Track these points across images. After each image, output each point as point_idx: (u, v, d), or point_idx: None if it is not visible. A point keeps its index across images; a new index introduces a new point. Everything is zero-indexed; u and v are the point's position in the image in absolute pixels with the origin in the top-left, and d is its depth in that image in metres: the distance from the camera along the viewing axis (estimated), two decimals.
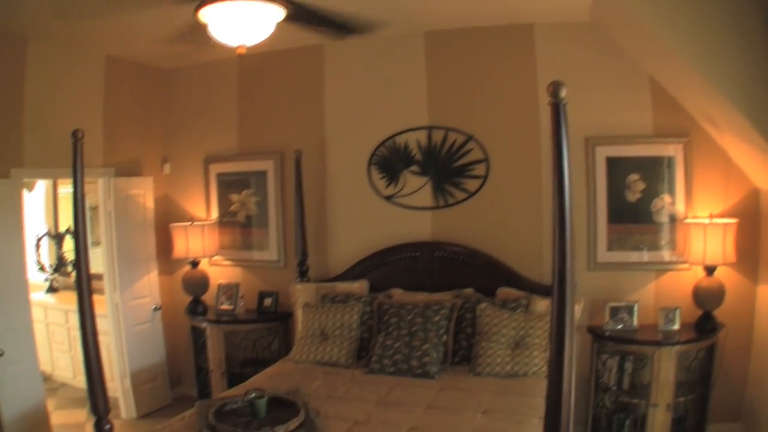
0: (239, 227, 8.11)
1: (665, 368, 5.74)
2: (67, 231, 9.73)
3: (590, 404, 6.31)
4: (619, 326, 6.15)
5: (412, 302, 6.36)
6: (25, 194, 8.00)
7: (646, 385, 5.92)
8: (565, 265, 2.81)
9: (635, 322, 6.15)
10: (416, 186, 7.04)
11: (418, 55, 6.99)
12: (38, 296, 9.13)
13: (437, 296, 6.46)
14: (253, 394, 4.84)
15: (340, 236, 7.57)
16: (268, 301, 7.73)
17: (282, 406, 4.90)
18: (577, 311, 5.66)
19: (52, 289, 9.69)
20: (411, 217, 7.09)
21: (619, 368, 6.16)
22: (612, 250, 6.43)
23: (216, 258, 8.20)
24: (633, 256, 6.38)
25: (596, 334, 6.20)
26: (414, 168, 7.03)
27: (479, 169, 6.78)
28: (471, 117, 6.80)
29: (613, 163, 6.35)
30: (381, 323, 6.40)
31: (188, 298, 7.90)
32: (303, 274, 7.35)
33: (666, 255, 6.31)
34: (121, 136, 7.76)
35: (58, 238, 9.92)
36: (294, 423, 4.53)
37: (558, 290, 2.83)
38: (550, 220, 2.87)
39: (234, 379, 7.27)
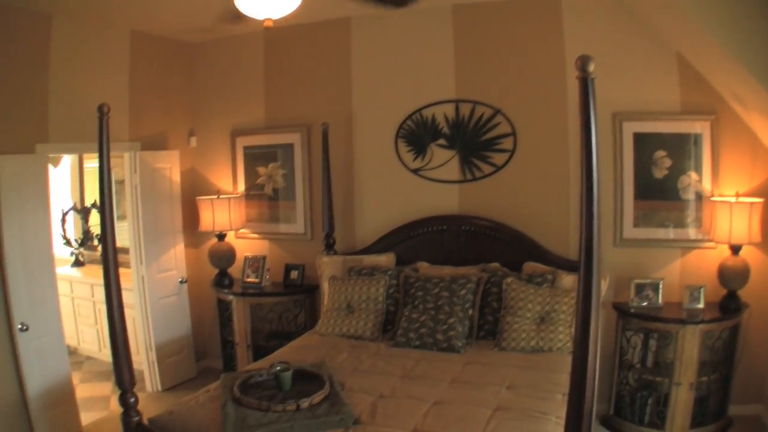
0: (266, 200, 8.12)
1: (689, 347, 5.71)
2: (93, 205, 9.76)
3: (614, 381, 6.31)
4: (644, 303, 6.12)
5: (438, 276, 6.36)
6: (51, 169, 8.01)
7: (669, 364, 5.89)
8: (592, 240, 2.78)
9: (660, 299, 6.11)
10: (443, 159, 7.01)
11: (446, 28, 6.94)
12: (64, 270, 9.19)
13: (463, 270, 6.45)
14: (279, 367, 4.85)
15: (367, 209, 7.56)
16: (294, 274, 7.74)
17: (307, 379, 4.92)
18: (603, 287, 5.64)
19: (77, 263, 9.75)
20: (438, 190, 7.07)
21: (644, 346, 6.12)
22: (638, 227, 6.38)
23: (242, 231, 8.23)
24: (659, 233, 6.32)
25: (621, 310, 6.18)
26: (441, 141, 7.00)
27: (506, 143, 6.75)
28: (498, 91, 6.75)
29: (640, 139, 6.29)
30: (407, 297, 6.41)
31: (214, 271, 7.95)
32: (330, 247, 7.36)
33: (692, 233, 6.25)
34: (146, 111, 7.78)
35: (83, 212, 9.95)
36: (319, 396, 4.54)
37: (585, 266, 2.81)
38: (577, 195, 2.84)
39: (259, 351, 7.32)
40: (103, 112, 4.02)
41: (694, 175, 6.17)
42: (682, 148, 6.19)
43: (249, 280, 7.82)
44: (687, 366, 5.73)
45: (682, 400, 5.78)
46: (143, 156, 7.52)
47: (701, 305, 5.96)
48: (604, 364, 6.01)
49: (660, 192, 6.28)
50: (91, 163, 9.85)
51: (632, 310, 6.08)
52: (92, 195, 9.86)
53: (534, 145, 6.66)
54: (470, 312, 6.12)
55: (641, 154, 6.30)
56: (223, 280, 7.86)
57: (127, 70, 7.51)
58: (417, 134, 7.11)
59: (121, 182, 8.22)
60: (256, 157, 8.12)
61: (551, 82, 6.52)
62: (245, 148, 8.16)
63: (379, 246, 7.25)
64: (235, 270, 8.01)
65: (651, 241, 6.36)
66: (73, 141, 6.75)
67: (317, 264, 7.19)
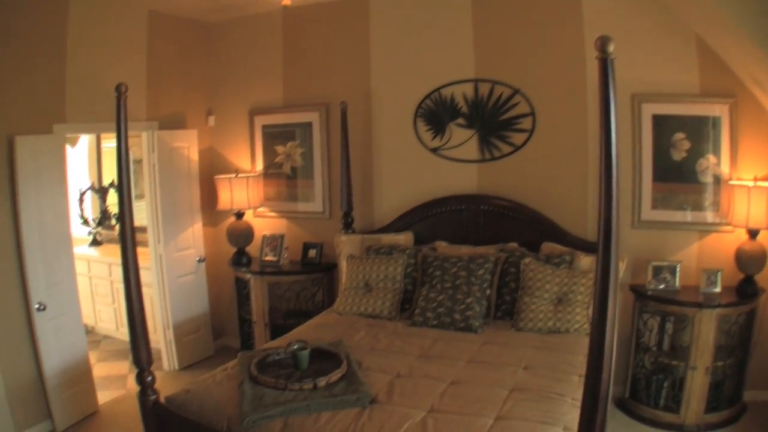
0: (284, 179, 8.13)
1: (705, 331, 5.68)
2: (111, 185, 9.81)
3: (630, 364, 6.29)
4: (662, 286, 6.08)
5: (456, 255, 6.35)
6: (68, 150, 8.03)
7: (685, 347, 5.85)
8: (610, 222, 2.76)
9: (677, 282, 6.06)
10: (462, 139, 6.98)
11: (465, 7, 6.88)
12: (81, 250, 9.26)
13: (482, 250, 6.44)
14: (296, 346, 4.86)
15: (386, 188, 7.55)
16: (312, 253, 7.76)
17: (324, 358, 4.93)
18: (620, 269, 5.61)
19: (95, 243, 9.83)
20: (457, 169, 7.05)
21: (660, 329, 6.09)
22: (656, 209, 6.32)
23: (261, 209, 8.26)
24: (677, 216, 6.26)
25: (638, 292, 6.14)
26: (460, 121, 6.96)
27: (525, 123, 6.70)
28: (517, 71, 6.70)
29: (659, 120, 6.23)
30: (425, 276, 6.40)
31: (232, 250, 7.98)
32: (348, 226, 7.37)
33: (709, 216, 6.18)
34: (164, 90, 7.78)
35: (101, 191, 9.99)
36: (336, 375, 4.56)
37: (603, 247, 2.78)
38: (596, 176, 2.83)
39: (277, 330, 7.37)
40: (120, 91, 4.01)
41: (712, 158, 6.10)
42: (700, 130, 6.12)
43: (267, 258, 7.83)
44: (703, 350, 5.70)
45: (697, 384, 5.76)
46: (161, 135, 7.53)
47: (718, 289, 5.92)
48: (620, 347, 6.00)
49: (678, 174, 6.22)
50: (109, 143, 9.87)
51: (649, 293, 6.03)
52: (110, 174, 9.90)
53: (553, 126, 6.61)
54: (488, 292, 6.11)
55: (660, 136, 6.24)
56: (241, 258, 7.88)
57: (144, 50, 7.50)
58: (436, 113, 7.07)
59: (138, 162, 8.26)
60: (274, 136, 8.11)
61: (570, 63, 6.46)
62: (263, 127, 8.16)
63: (397, 225, 7.24)
64: (253, 249, 8.03)
65: (669, 224, 6.30)
66: (91, 121, 6.77)
67: (335, 243, 7.20)
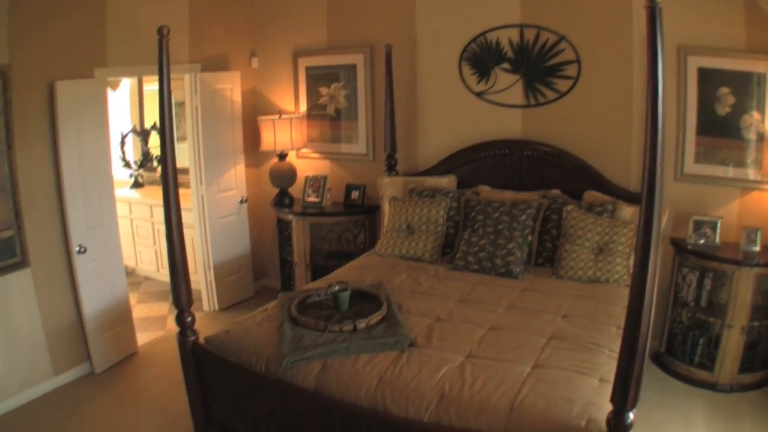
0: (328, 120, 8.12)
1: (743, 289, 5.59)
2: (153, 127, 9.83)
3: (667, 318, 6.26)
4: (702, 241, 5.99)
5: (499, 200, 6.33)
6: (110, 93, 8.05)
7: (723, 305, 5.78)
8: (655, 173, 2.72)
9: (717, 238, 5.98)
10: (507, 83, 6.89)
11: None
12: (123, 192, 9.35)
13: (524, 195, 6.41)
14: (337, 287, 4.88)
15: (429, 131, 7.51)
16: (355, 194, 7.76)
17: (365, 300, 4.97)
18: (662, 221, 5.55)
19: (137, 185, 9.90)
20: (501, 114, 6.98)
21: (699, 284, 6.03)
22: (699, 163, 6.19)
23: (304, 151, 8.28)
24: (719, 171, 6.13)
25: (679, 246, 6.08)
26: (505, 65, 6.87)
27: (570, 70, 6.60)
28: (563, 17, 6.56)
29: (704, 74, 6.07)
30: (467, 220, 6.41)
31: (274, 191, 8.01)
32: (391, 168, 7.37)
33: (751, 173, 6.03)
34: (207, 32, 7.75)
35: (143, 134, 10.02)
36: (376, 317, 4.59)
37: (647, 199, 2.75)
38: (640, 125, 2.78)
39: (318, 271, 7.43)
40: (162, 34, 4.00)
41: (756, 115, 5.93)
42: (746, 86, 5.95)
43: (309, 199, 7.85)
44: (740, 309, 5.63)
45: (732, 343, 5.71)
46: (204, 77, 7.52)
47: (757, 248, 5.80)
48: (659, 301, 5.97)
49: (722, 129, 6.08)
50: (151, 86, 9.89)
51: (689, 247, 5.96)
52: (152, 117, 9.93)
53: (598, 74, 6.49)
54: (529, 238, 6.11)
55: (705, 89, 6.08)
56: (283, 199, 7.90)
57: None
58: (481, 57, 6.98)
59: (180, 104, 8.26)
60: (318, 78, 8.08)
61: (617, 10, 6.29)
62: (307, 68, 8.12)
63: (440, 168, 7.22)
64: (295, 190, 8.05)
65: (711, 179, 6.17)
66: (133, 64, 6.76)
67: (378, 185, 7.22)
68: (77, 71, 6.13)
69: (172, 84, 4.33)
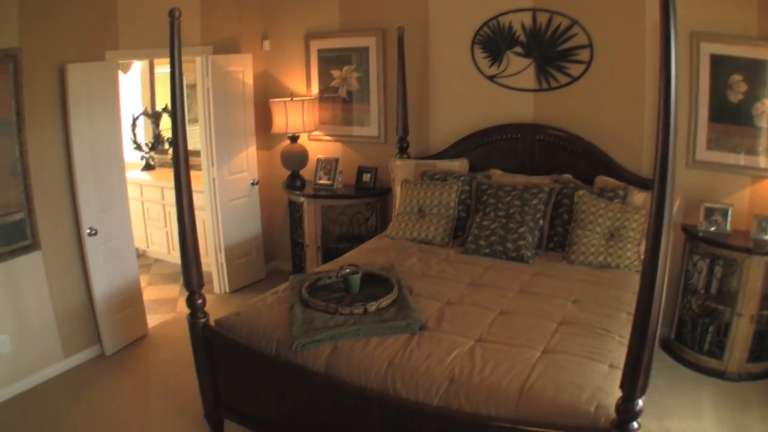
0: (340, 102, 8.11)
1: (753, 278, 5.57)
2: (164, 109, 9.83)
3: (677, 305, 6.25)
4: (713, 228, 5.96)
5: (510, 184, 6.33)
6: (121, 76, 8.05)
7: (733, 293, 5.75)
8: (667, 159, 2.70)
9: (728, 226, 5.94)
10: (519, 67, 6.87)
11: None
12: (134, 174, 9.34)
13: (536, 179, 6.41)
14: (348, 270, 4.91)
15: (441, 114, 7.49)
16: (366, 177, 7.76)
17: (376, 283, 4.99)
18: (674, 207, 5.53)
19: (148, 167, 9.89)
20: (513, 98, 6.95)
21: (709, 272, 5.98)
22: (711, 149, 6.15)
23: (315, 133, 8.26)
24: (730, 158, 6.09)
25: (689, 233, 6.06)
26: (517, 49, 6.84)
27: (583, 55, 6.56)
28: (576, 1, 6.51)
29: (716, 60, 6.01)
30: (479, 203, 6.41)
31: (286, 173, 8.03)
32: (403, 151, 7.37)
33: (762, 161, 5.98)
34: (218, 14, 7.74)
35: (154, 116, 10.02)
36: (387, 300, 4.60)
37: (659, 185, 2.74)
38: (652, 111, 2.77)
39: (329, 254, 7.45)
40: (174, 16, 4.01)
41: None
42: (758, 74, 5.89)
43: (321, 182, 7.85)
44: (750, 297, 5.61)
45: (742, 331, 5.69)
46: (215, 60, 7.51)
47: None
48: (669, 287, 5.94)
49: (734, 116, 6.03)
50: (162, 69, 9.89)
51: (700, 234, 5.93)
52: (163, 100, 9.92)
53: (610, 59, 6.46)
54: (541, 222, 6.11)
55: (717, 76, 6.03)
56: (294, 181, 7.91)
57: None
58: (493, 41, 6.95)
59: (192, 86, 8.26)
60: (330, 60, 8.07)
61: None
62: (319, 51, 8.11)
63: (452, 151, 7.22)
64: (307, 172, 8.06)
65: (722, 166, 6.13)
66: (144, 47, 6.76)
67: (390, 167, 7.23)
68: (88, 54, 6.12)
69: (184, 66, 4.35)
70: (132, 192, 7.61)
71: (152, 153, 9.98)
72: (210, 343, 4.62)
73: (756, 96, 5.85)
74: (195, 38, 7.38)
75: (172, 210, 7.98)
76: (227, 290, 8.13)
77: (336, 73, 8.03)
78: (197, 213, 4.53)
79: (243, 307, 4.90)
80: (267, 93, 8.40)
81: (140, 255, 9.16)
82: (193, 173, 4.55)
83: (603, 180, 6.21)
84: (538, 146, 6.74)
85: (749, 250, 5.55)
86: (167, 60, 4.18)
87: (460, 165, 6.95)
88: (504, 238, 5.94)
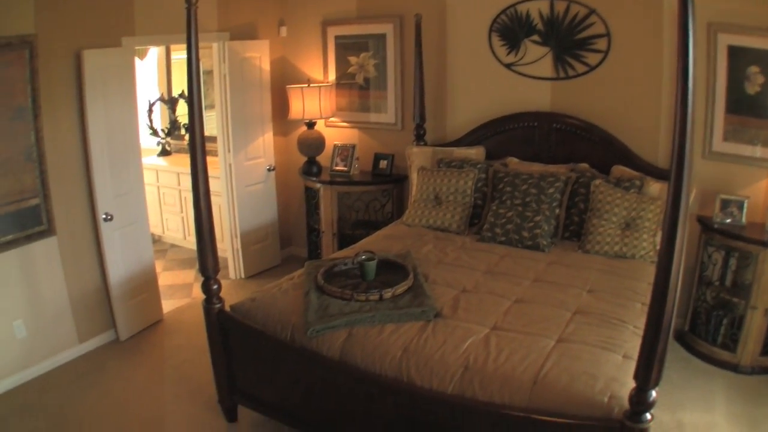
0: (357, 89, 8.11)
1: None
2: (181, 95, 9.84)
3: (692, 297, 6.23)
4: (728, 220, 5.93)
5: (527, 172, 6.32)
6: (137, 62, 8.05)
7: (747, 286, 5.72)
8: (684, 150, 2.70)
9: (744, 218, 5.91)
10: (537, 56, 6.84)
11: None
12: (150, 160, 9.40)
13: (553, 168, 6.40)
14: (363, 256, 4.91)
15: (459, 101, 7.47)
16: (383, 164, 7.77)
17: (391, 269, 5.00)
18: (690, 198, 5.51)
19: (164, 153, 9.92)
20: (530, 86, 6.93)
21: (724, 264, 5.95)
22: (728, 141, 6.10)
23: (332, 119, 8.26)
24: (747, 150, 6.03)
25: (705, 224, 6.03)
26: (535, 37, 6.81)
27: (600, 44, 6.52)
28: None
29: (734, 51, 5.97)
30: (495, 191, 6.41)
31: (303, 159, 8.04)
32: (420, 138, 7.35)
33: None
34: (235, 1, 7.73)
35: (171, 102, 10.04)
36: (402, 287, 4.62)
37: (675, 176, 2.74)
38: (669, 101, 2.76)
39: (345, 240, 7.47)
40: (191, 3, 4.03)
41: None
42: None
43: (337, 168, 7.86)
44: (764, 290, 5.58)
45: (756, 324, 5.66)
46: (232, 46, 7.51)
47: None
48: (684, 279, 5.86)
49: (751, 108, 5.98)
50: (179, 55, 9.89)
51: (716, 226, 5.91)
52: (180, 86, 9.93)
53: (628, 48, 6.43)
54: (557, 211, 6.10)
55: (734, 67, 5.98)
56: (311, 168, 7.93)
57: None
58: (511, 29, 6.93)
59: (208, 72, 8.28)
60: (347, 47, 8.06)
61: None
62: (336, 37, 8.09)
63: (469, 139, 7.20)
64: (323, 158, 8.06)
65: (739, 158, 6.08)
66: (160, 33, 6.77)
67: (407, 154, 7.22)
68: (104, 40, 6.14)
69: (200, 52, 4.36)
70: (148, 177, 7.64)
71: (168, 138, 10.00)
72: (225, 328, 4.65)
73: None
74: (212, 24, 7.39)
75: (188, 195, 7.99)
76: (242, 276, 8.15)
77: (353, 59, 8.02)
78: (213, 198, 4.55)
79: (258, 293, 4.93)
80: (284, 79, 8.39)
81: (156, 240, 9.20)
82: (209, 159, 4.58)
83: (619, 169, 6.18)
84: (554, 135, 6.72)
85: (765, 243, 5.52)
86: (184, 46, 4.20)
87: (476, 152, 6.94)
88: (520, 227, 5.94)
